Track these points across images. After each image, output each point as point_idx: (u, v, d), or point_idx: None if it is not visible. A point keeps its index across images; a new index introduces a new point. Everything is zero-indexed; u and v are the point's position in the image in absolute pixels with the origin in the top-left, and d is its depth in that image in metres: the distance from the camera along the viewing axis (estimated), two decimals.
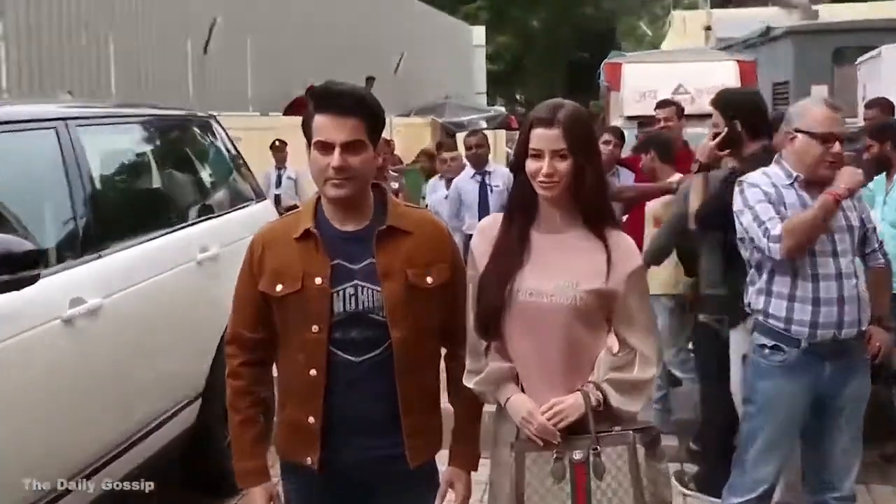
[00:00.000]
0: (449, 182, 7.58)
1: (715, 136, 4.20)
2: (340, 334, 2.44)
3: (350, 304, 2.44)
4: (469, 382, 2.55)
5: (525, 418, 2.43)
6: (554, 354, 2.45)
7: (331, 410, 2.46)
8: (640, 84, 11.19)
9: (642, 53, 16.46)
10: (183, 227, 4.64)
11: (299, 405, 2.50)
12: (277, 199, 10.36)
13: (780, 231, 3.31)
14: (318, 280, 2.43)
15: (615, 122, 11.05)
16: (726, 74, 10.89)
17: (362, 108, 2.39)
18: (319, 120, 2.38)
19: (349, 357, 2.45)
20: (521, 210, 2.52)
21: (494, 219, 2.61)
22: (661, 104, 6.51)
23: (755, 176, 3.52)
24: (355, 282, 2.44)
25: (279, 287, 2.47)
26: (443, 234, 2.59)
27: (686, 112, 6.64)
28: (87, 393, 3.60)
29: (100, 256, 3.81)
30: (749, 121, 4.15)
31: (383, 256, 2.45)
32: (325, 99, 2.40)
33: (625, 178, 6.15)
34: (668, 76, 11.02)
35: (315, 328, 2.43)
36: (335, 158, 2.35)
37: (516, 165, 2.50)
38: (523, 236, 2.50)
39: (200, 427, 4.51)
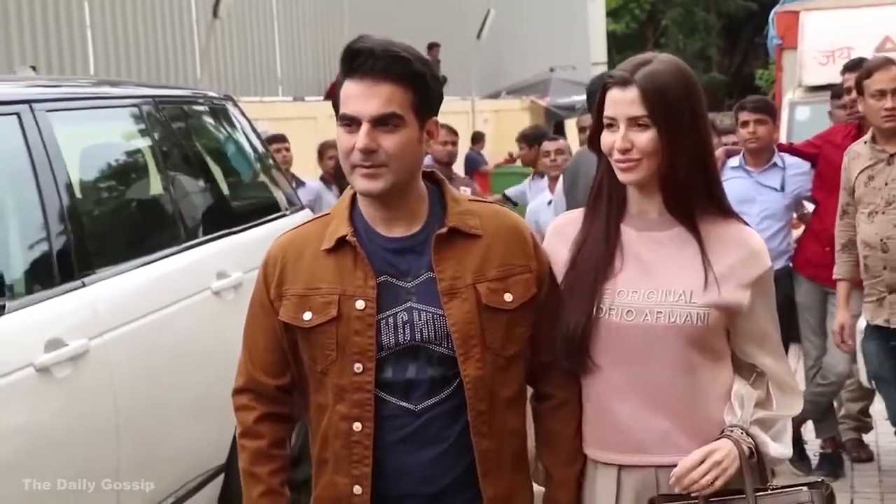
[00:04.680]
0: (554, 182, 7.63)
1: None
2: (392, 374, 2.52)
3: (404, 333, 2.51)
4: None
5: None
6: (664, 394, 2.52)
7: (383, 476, 2.52)
8: (828, 39, 11.00)
9: None
10: (193, 247, 4.77)
11: (340, 471, 2.56)
12: None
13: None
14: (359, 304, 2.51)
15: (790, 94, 10.94)
16: None
17: (400, 70, 2.44)
18: (346, 88, 2.47)
19: (405, 404, 2.52)
20: (608, 200, 2.61)
21: (572, 215, 2.71)
22: (852, 65, 6.33)
23: None
24: (409, 304, 2.53)
25: (308, 315, 2.55)
26: (523, 233, 2.65)
27: None
28: (70, 463, 3.69)
29: (83, 285, 3.93)
30: None
31: (446, 268, 2.53)
32: (351, 59, 2.47)
33: (792, 168, 6.07)
34: (871, 25, 10.79)
35: (358, 367, 2.50)
36: (360, 137, 2.43)
37: (595, 142, 2.59)
38: (611, 234, 2.59)
39: None
